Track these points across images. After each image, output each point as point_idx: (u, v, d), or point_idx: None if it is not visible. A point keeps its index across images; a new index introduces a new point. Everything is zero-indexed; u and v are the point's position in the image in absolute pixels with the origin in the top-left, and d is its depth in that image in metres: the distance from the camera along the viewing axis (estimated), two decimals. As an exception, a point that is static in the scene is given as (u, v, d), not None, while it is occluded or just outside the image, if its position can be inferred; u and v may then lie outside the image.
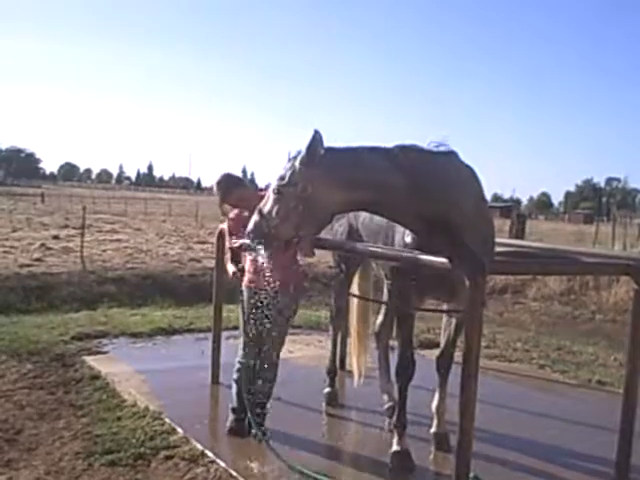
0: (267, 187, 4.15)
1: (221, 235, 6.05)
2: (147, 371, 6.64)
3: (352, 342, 6.06)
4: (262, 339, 4.96)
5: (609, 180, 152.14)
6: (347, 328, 6.38)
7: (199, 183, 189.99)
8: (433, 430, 4.93)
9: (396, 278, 4.51)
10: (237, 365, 5.16)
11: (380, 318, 5.82)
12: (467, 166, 4.18)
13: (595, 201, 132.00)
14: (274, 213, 3.68)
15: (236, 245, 4.89)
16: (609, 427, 5.19)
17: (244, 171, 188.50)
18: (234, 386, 5.15)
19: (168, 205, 46.00)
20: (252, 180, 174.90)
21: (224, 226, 5.80)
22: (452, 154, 4.10)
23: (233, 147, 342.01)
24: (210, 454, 4.60)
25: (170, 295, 12.72)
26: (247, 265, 5.07)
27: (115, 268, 14.21)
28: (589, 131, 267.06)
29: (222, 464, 4.45)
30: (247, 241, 3.89)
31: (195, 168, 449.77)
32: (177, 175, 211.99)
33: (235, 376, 5.14)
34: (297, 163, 3.70)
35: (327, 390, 5.91)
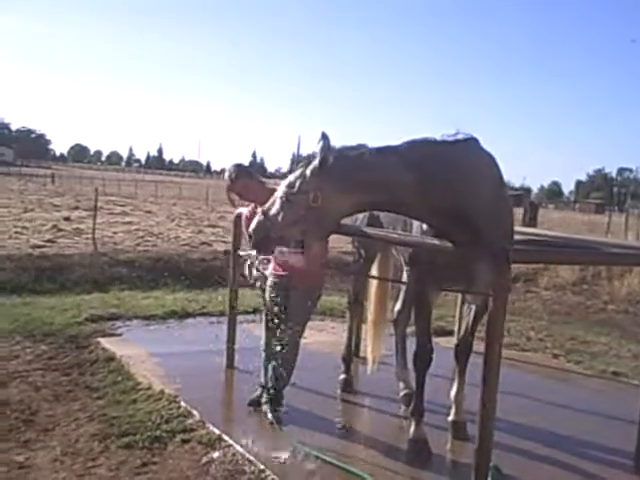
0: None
1: (238, 219, 6.01)
2: (161, 354, 6.64)
3: (369, 329, 6.01)
4: (284, 324, 4.96)
5: (621, 170, 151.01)
6: (363, 315, 6.34)
7: (209, 167, 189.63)
8: (451, 418, 4.91)
9: (413, 265, 4.47)
10: (263, 346, 5.24)
11: (398, 305, 5.78)
12: (486, 153, 4.07)
13: (606, 191, 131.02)
14: (280, 218, 3.69)
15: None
16: (626, 418, 5.19)
17: (254, 155, 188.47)
18: (262, 367, 5.24)
19: (178, 188, 46.00)
20: (262, 164, 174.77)
21: (242, 210, 5.78)
22: (470, 141, 3.99)
23: (242, 131, 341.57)
24: (227, 438, 4.59)
25: (181, 278, 12.73)
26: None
27: (126, 251, 14.21)
28: (602, 120, 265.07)
29: (239, 449, 4.44)
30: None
31: (205, 152, 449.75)
32: (187, 158, 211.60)
33: (263, 356, 5.23)
34: (308, 172, 3.67)
35: (342, 377, 5.89)
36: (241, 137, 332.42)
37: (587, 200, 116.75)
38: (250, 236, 3.82)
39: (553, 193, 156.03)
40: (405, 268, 5.68)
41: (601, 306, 13.29)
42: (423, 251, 4.18)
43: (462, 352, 4.81)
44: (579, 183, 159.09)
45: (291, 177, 3.74)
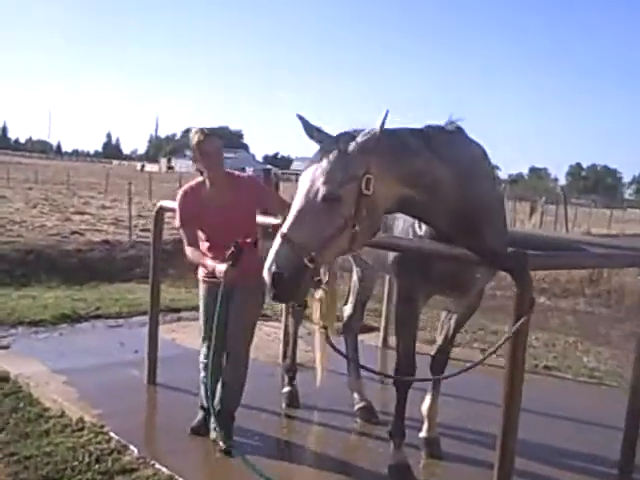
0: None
1: (161, 211, 5.27)
2: (67, 370, 5.67)
3: (316, 336, 5.35)
4: (227, 336, 4.27)
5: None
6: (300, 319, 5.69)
7: (59, 147, 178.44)
8: (423, 435, 4.43)
9: (402, 273, 3.91)
10: (202, 364, 4.46)
11: (348, 309, 5.24)
12: (477, 144, 3.60)
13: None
14: (321, 230, 2.70)
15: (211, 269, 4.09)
16: (579, 418, 5.31)
17: (109, 136, 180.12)
18: (202, 386, 4.47)
19: (34, 171, 42.35)
20: (117, 146, 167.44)
21: (163, 203, 5.12)
22: (461, 131, 3.46)
23: (96, 111, 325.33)
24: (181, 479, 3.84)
25: (56, 273, 11.54)
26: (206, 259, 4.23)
27: (-13, 242, 12.68)
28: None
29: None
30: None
31: (55, 132, 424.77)
32: (35, 138, 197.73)
33: (202, 374, 4.45)
34: (353, 148, 2.79)
35: (286, 389, 5.25)
36: (95, 117, 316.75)
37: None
38: (269, 286, 2.71)
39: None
40: (355, 269, 5.18)
41: (490, 292, 13.53)
42: (416, 257, 3.67)
43: (439, 363, 4.37)
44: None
45: (313, 169, 2.77)
